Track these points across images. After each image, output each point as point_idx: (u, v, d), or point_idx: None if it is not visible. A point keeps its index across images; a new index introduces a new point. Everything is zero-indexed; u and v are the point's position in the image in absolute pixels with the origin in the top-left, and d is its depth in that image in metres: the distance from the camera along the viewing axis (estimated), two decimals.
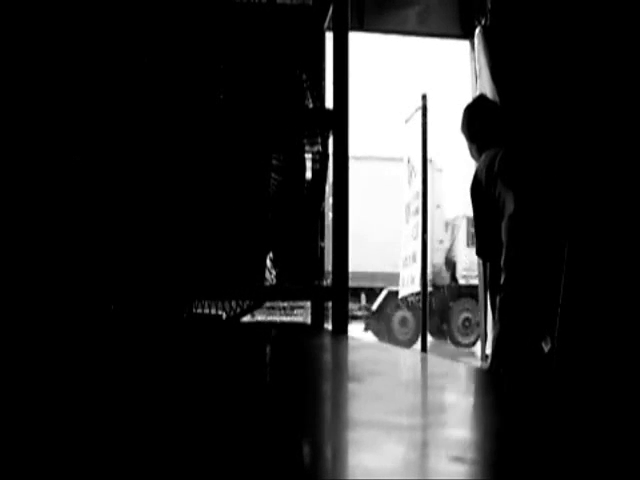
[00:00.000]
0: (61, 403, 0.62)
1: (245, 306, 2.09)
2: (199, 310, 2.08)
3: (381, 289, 11.86)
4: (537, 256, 2.47)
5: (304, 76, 2.14)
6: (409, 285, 7.03)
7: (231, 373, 0.90)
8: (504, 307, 2.53)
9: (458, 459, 0.41)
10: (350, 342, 1.42)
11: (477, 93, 3.59)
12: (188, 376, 0.85)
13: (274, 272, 2.13)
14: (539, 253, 2.48)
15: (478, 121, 2.80)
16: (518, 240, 2.48)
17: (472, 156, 2.84)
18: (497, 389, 0.79)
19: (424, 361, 1.21)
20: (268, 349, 1.34)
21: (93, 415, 0.57)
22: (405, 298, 9.31)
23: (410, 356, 1.18)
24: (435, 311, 11.27)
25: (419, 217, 5.15)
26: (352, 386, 0.76)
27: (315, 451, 0.46)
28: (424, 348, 4.62)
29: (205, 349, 1.29)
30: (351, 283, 2.02)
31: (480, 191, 2.64)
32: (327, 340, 1.58)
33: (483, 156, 2.70)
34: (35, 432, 0.49)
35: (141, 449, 0.44)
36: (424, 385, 0.86)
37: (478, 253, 2.73)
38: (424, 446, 0.46)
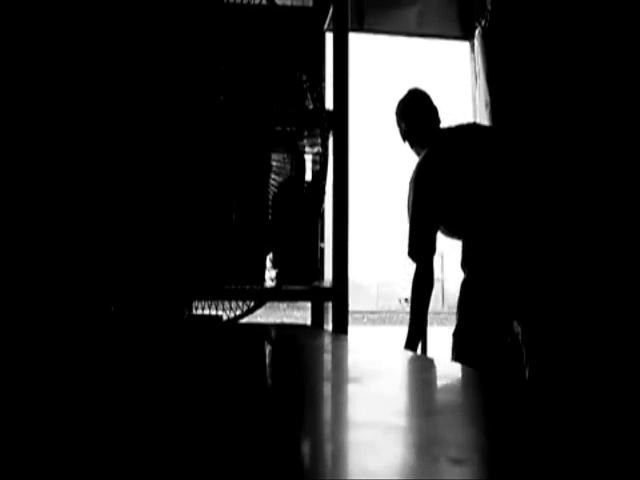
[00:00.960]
0: (59, 405, 0.62)
1: (245, 307, 2.09)
2: (199, 311, 2.09)
3: None
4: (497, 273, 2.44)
5: (304, 77, 2.14)
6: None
7: (231, 374, 0.90)
8: (464, 292, 2.50)
9: (455, 460, 0.41)
10: (350, 343, 1.42)
11: (476, 94, 3.60)
12: (187, 377, 0.85)
13: (274, 273, 2.14)
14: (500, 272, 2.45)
15: (404, 121, 2.74)
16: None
17: (414, 152, 2.77)
18: (499, 390, 0.79)
19: (424, 363, 1.21)
20: (268, 350, 1.34)
21: (91, 418, 0.57)
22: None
23: (410, 358, 1.18)
24: None
25: None
26: (352, 387, 0.76)
27: (314, 452, 0.46)
28: (424, 349, 4.62)
29: (205, 350, 1.29)
30: None
31: (429, 186, 2.55)
32: (327, 341, 1.58)
33: (425, 152, 2.64)
34: (32, 436, 0.50)
35: (139, 453, 0.44)
36: (423, 387, 0.86)
37: (410, 254, 2.55)
38: (421, 447, 0.46)
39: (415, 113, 2.70)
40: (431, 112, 2.71)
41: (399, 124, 2.73)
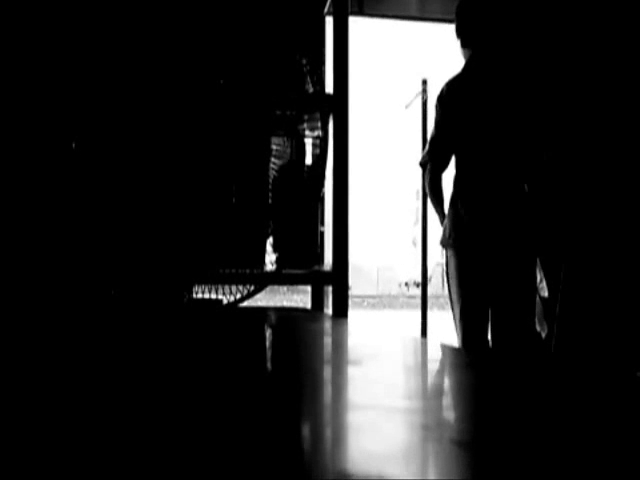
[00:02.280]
0: (60, 388, 0.63)
1: (245, 291, 2.10)
2: (199, 295, 2.09)
3: None
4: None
5: (304, 61, 2.13)
6: (412, 270, 7.05)
7: (232, 358, 0.91)
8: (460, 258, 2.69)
9: (454, 442, 0.42)
10: (350, 327, 1.43)
11: None
12: (187, 361, 0.85)
13: (274, 256, 2.14)
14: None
15: (460, 16, 2.78)
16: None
17: (463, 55, 2.80)
18: (502, 373, 0.80)
19: (423, 346, 1.22)
20: (269, 333, 1.35)
21: (91, 401, 0.57)
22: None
23: (409, 341, 1.18)
24: None
25: (419, 202, 5.18)
26: (352, 370, 0.77)
27: (314, 435, 0.46)
28: (424, 332, 4.64)
29: (205, 333, 1.30)
30: None
31: (448, 106, 2.71)
32: (327, 325, 1.59)
33: (459, 71, 2.75)
34: (31, 426, 0.50)
35: (139, 434, 0.45)
36: (422, 370, 0.86)
37: (432, 160, 2.78)
38: (420, 429, 0.47)
39: (472, 14, 2.73)
40: (486, 23, 2.71)
41: (457, 17, 2.77)
